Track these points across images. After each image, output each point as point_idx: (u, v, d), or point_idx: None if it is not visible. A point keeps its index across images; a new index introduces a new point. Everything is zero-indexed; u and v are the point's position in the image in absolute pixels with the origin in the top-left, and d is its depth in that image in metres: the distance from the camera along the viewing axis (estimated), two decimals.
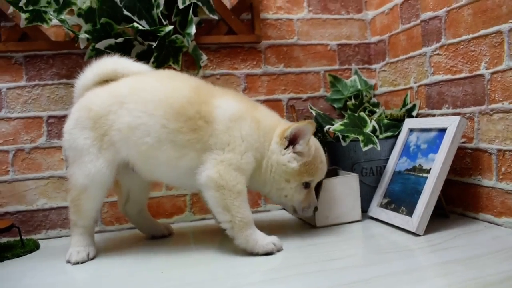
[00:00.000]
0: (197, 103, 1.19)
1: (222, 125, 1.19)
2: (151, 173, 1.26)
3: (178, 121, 1.17)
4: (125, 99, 1.20)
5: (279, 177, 1.24)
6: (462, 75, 1.35)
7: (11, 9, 1.46)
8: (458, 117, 1.28)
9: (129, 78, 1.27)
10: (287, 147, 1.23)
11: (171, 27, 1.44)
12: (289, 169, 1.23)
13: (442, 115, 1.45)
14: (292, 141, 1.23)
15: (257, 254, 1.16)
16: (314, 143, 1.30)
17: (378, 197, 1.45)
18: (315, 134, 1.44)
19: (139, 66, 1.31)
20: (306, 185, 1.28)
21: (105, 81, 1.29)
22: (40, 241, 1.46)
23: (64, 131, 1.26)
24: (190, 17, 1.50)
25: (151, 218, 1.47)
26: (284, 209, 1.39)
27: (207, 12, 1.56)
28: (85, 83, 1.29)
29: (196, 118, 1.18)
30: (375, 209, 1.44)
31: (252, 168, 1.22)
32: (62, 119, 1.48)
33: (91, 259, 1.23)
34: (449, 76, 1.41)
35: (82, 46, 1.47)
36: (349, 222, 1.42)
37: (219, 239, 1.35)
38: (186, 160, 1.19)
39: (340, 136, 1.47)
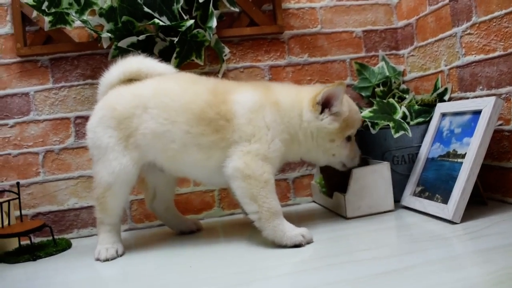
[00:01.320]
0: (216, 105, 1.20)
1: (243, 118, 1.18)
2: (182, 172, 1.29)
3: (200, 125, 1.18)
4: (148, 103, 1.21)
5: (323, 140, 1.26)
6: (496, 53, 1.28)
7: (34, 13, 1.49)
8: (493, 98, 1.21)
9: (152, 80, 1.27)
10: (322, 112, 1.23)
11: (191, 21, 1.43)
12: (332, 130, 1.24)
13: (476, 97, 1.38)
14: (325, 104, 1.23)
15: (285, 246, 1.14)
16: (345, 98, 1.28)
17: (411, 186, 1.40)
18: None
19: (164, 66, 1.31)
20: (348, 138, 1.30)
21: (129, 80, 1.30)
22: (72, 240, 1.48)
23: (87, 129, 1.27)
24: (210, 10, 1.49)
25: (179, 214, 1.47)
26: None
27: (227, 4, 1.54)
28: (110, 81, 1.30)
29: (217, 119, 1.19)
30: (408, 198, 1.39)
31: (281, 154, 1.21)
32: (89, 119, 1.49)
33: (120, 256, 1.23)
34: (482, 56, 1.34)
35: (105, 46, 1.48)
36: (381, 212, 1.37)
37: (248, 233, 1.33)
38: (213, 160, 1.20)
39: (369, 124, 1.43)
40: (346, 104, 1.27)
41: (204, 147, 1.19)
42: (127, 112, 1.22)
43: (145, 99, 1.22)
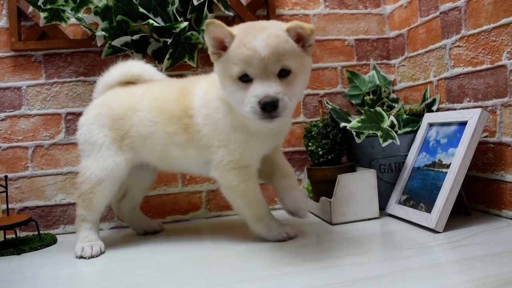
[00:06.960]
0: (181, 101, 1.20)
1: (200, 116, 1.16)
2: (176, 168, 1.34)
3: (172, 124, 1.20)
4: (138, 105, 1.24)
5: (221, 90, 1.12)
6: (483, 66, 1.31)
7: (30, 8, 1.49)
8: (479, 110, 1.23)
9: (144, 85, 1.30)
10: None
11: (186, 23, 1.45)
12: (218, 73, 1.09)
13: (463, 108, 1.40)
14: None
15: (269, 241, 1.21)
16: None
17: (396, 194, 1.41)
18: (333, 128, 1.44)
19: (162, 76, 1.35)
20: (244, 79, 1.03)
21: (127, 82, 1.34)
22: (57, 236, 1.48)
23: (81, 124, 1.29)
24: (205, 13, 1.50)
25: (143, 215, 1.49)
26: None
27: (222, 8, 1.56)
28: (110, 81, 1.33)
29: (183, 116, 1.19)
30: (393, 206, 1.40)
31: (247, 144, 1.13)
32: (80, 116, 1.48)
33: (102, 253, 1.24)
34: (469, 68, 1.36)
35: (99, 44, 1.49)
36: (367, 219, 1.38)
37: (233, 235, 1.34)
38: (193, 157, 1.22)
39: (354, 133, 1.43)
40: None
41: (180, 146, 1.21)
42: (121, 113, 1.25)
43: (135, 101, 1.25)
